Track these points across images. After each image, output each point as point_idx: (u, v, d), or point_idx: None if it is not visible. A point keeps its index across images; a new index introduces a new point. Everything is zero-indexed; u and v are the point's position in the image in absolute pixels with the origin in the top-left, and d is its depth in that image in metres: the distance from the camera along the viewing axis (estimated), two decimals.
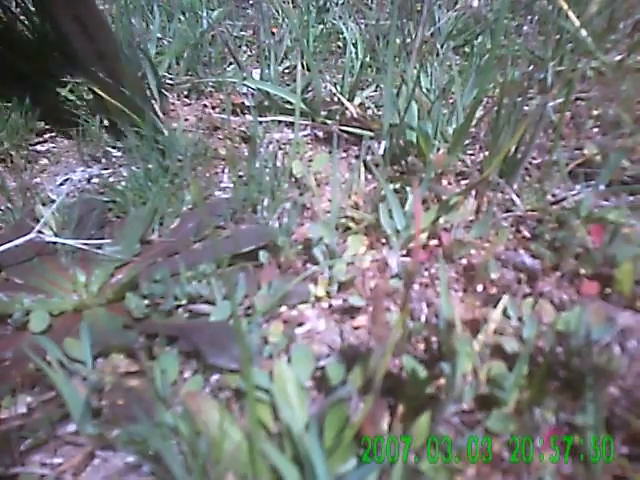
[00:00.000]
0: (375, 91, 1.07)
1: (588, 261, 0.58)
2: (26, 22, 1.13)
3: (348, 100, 0.97)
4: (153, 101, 1.00)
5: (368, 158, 0.83)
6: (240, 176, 0.84)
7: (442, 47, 1.16)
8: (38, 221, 0.72)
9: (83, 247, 0.67)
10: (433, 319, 0.57)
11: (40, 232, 0.68)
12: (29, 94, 1.01)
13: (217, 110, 1.12)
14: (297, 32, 1.23)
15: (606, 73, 0.93)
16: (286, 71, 1.22)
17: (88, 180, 0.94)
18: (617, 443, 0.42)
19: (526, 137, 0.71)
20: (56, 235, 0.71)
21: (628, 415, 0.43)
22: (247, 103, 1.08)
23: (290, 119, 1.01)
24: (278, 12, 1.44)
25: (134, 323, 0.59)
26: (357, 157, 0.91)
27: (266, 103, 1.05)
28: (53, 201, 0.85)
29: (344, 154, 0.93)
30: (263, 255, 0.66)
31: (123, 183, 0.86)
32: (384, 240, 0.69)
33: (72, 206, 0.78)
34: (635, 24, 1.03)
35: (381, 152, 0.84)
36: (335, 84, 1.05)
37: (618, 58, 0.94)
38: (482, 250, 0.65)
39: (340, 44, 1.34)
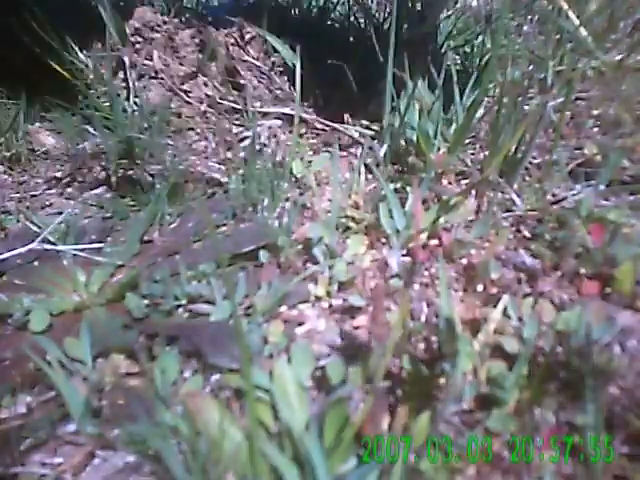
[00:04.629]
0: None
1: (588, 261, 0.58)
2: None
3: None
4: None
5: (368, 158, 0.83)
6: (240, 176, 0.84)
7: (442, 47, 1.16)
8: (40, 227, 0.72)
9: (84, 255, 0.67)
10: (433, 319, 0.57)
11: (43, 241, 0.68)
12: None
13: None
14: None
15: (606, 73, 0.93)
16: None
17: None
18: (617, 443, 0.42)
19: (526, 137, 0.71)
20: (58, 242, 0.71)
21: (628, 415, 0.43)
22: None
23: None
24: None
25: (134, 323, 0.59)
26: (357, 157, 0.91)
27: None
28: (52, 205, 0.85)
29: (344, 154, 0.93)
30: (263, 255, 0.66)
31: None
32: (384, 240, 0.69)
33: (74, 214, 0.79)
34: (635, 24, 1.03)
35: (381, 152, 0.84)
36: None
37: (618, 58, 0.94)
38: (482, 250, 0.64)
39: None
